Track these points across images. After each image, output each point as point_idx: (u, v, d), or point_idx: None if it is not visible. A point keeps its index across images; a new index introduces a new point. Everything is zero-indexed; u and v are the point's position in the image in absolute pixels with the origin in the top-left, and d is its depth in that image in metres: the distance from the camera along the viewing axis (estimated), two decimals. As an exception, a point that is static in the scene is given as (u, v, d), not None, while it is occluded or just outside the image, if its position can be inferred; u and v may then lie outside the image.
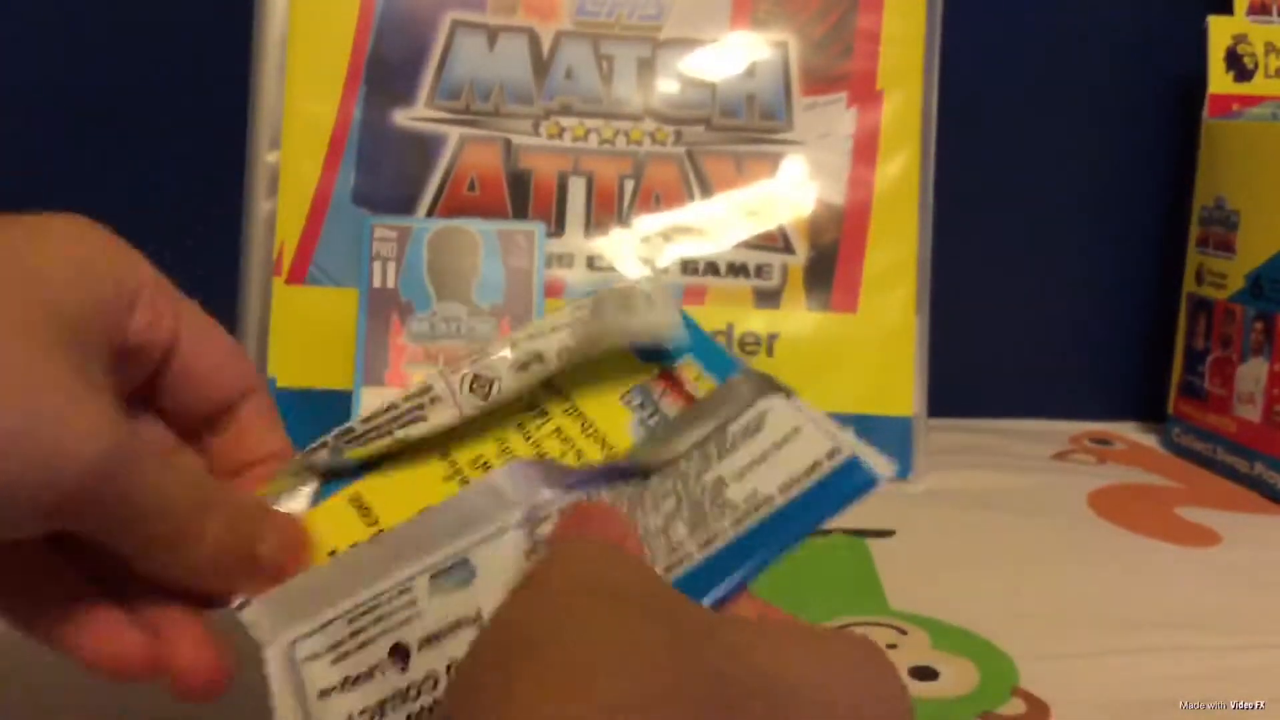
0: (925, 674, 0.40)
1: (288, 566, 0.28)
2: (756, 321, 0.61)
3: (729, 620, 0.25)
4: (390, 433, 0.31)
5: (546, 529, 0.28)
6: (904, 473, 0.61)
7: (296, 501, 0.30)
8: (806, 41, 0.63)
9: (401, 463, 0.31)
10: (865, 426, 0.65)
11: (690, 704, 0.19)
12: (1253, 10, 0.70)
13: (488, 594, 0.27)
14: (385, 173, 0.60)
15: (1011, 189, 0.74)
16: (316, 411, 0.58)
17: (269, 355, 0.60)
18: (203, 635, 0.28)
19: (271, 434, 0.31)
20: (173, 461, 0.27)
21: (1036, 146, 0.74)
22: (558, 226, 0.61)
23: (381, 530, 0.29)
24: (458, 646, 0.26)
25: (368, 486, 0.31)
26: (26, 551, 0.26)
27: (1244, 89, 0.69)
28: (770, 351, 0.61)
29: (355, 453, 0.31)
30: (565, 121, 0.62)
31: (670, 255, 0.62)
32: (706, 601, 0.26)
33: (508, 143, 0.61)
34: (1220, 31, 0.69)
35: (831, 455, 0.30)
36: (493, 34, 0.62)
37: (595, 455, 0.31)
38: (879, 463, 0.29)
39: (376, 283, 0.58)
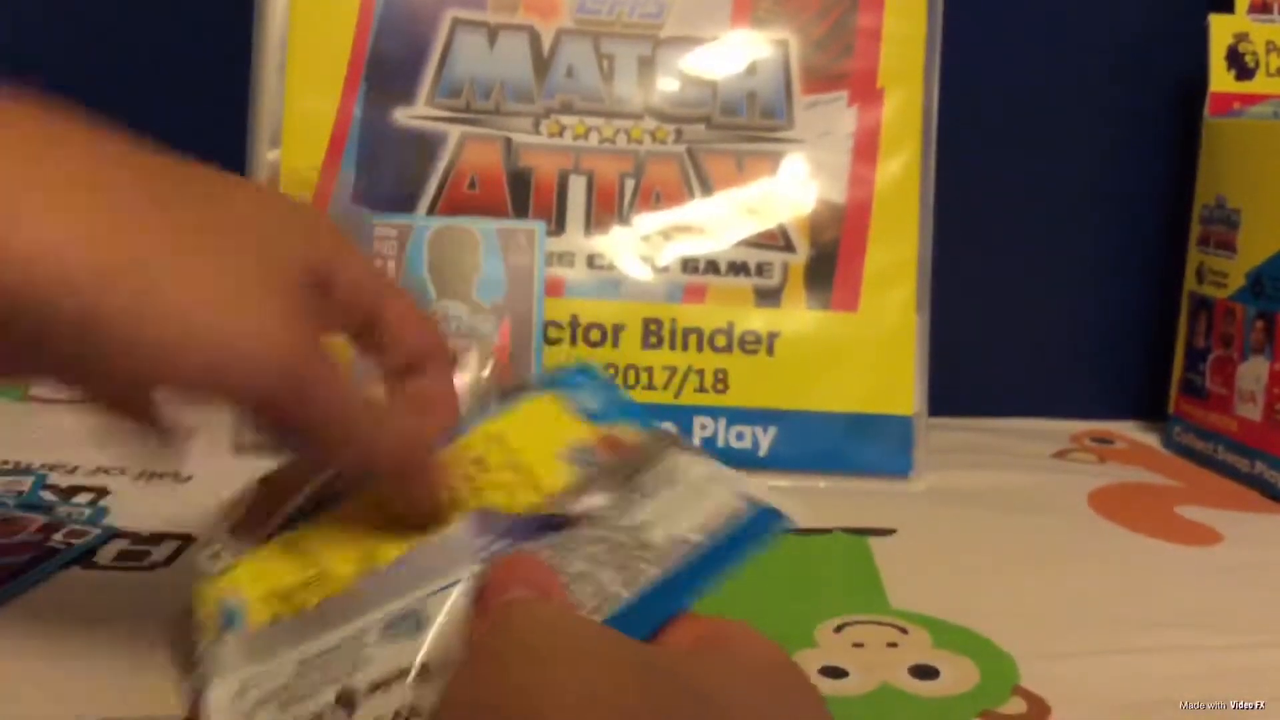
0: (926, 673, 0.40)
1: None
2: (757, 320, 0.61)
3: (661, 650, 0.26)
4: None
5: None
6: (904, 472, 0.61)
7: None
8: (807, 40, 0.63)
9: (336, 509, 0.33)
10: (865, 426, 0.65)
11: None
12: (1254, 9, 0.70)
13: (435, 642, 0.27)
14: (386, 171, 0.60)
15: (1012, 188, 0.74)
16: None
17: (269, 354, 0.60)
18: None
19: (441, 398, 0.35)
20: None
21: (1037, 145, 0.74)
22: (558, 225, 0.61)
23: (320, 573, 0.31)
24: (402, 694, 0.27)
25: (303, 534, 0.32)
26: None
27: (1245, 87, 0.69)
28: (770, 350, 0.61)
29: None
30: (566, 120, 0.62)
31: (670, 254, 0.62)
32: (639, 636, 0.27)
33: (508, 141, 0.61)
34: (1221, 30, 0.69)
35: (747, 500, 0.31)
36: (493, 32, 0.62)
37: (536, 504, 0.32)
38: (786, 509, 0.31)
39: (377, 281, 0.58)
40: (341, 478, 0.33)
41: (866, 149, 0.63)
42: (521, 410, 0.36)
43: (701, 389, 0.61)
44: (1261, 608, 0.47)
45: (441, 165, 0.61)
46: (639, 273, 0.61)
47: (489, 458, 0.34)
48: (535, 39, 0.62)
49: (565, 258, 0.61)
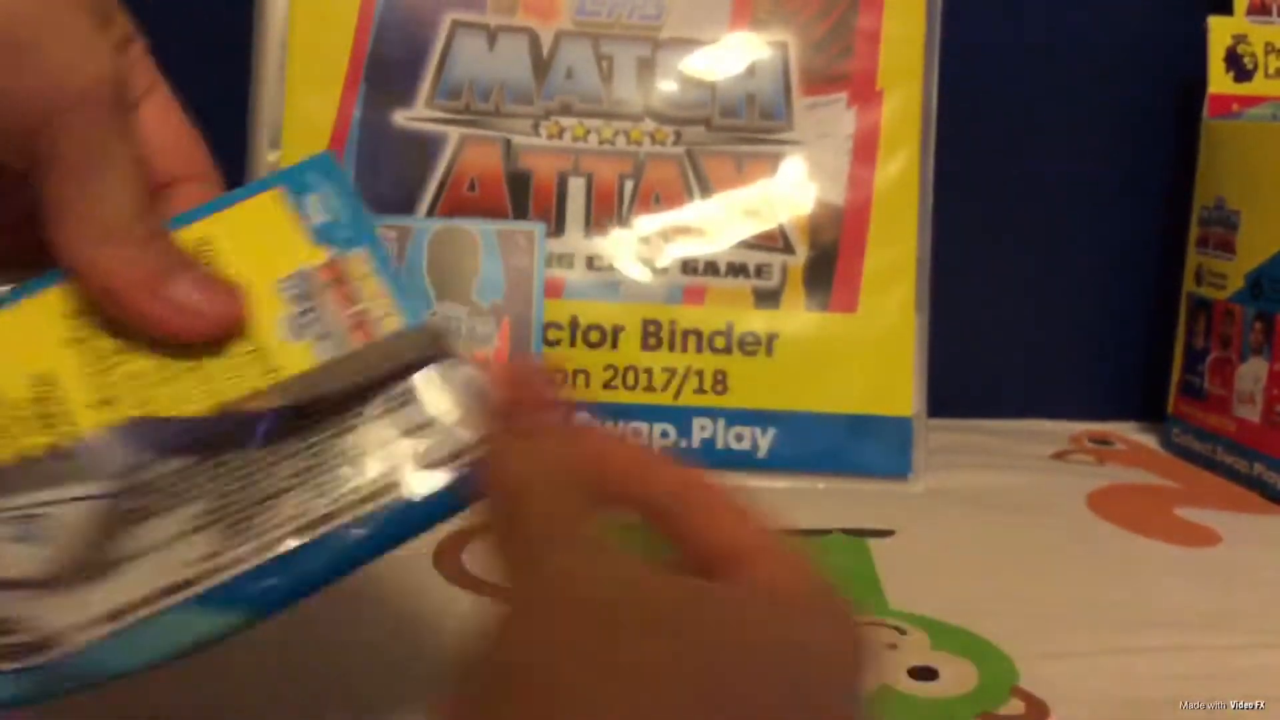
0: (925, 674, 0.40)
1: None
2: (756, 321, 0.61)
3: (707, 592, 0.23)
4: None
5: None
6: (903, 473, 0.61)
7: None
8: (806, 41, 0.63)
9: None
10: (864, 427, 0.65)
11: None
12: (1252, 10, 0.70)
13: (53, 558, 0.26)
14: (385, 172, 0.60)
15: (1011, 189, 0.74)
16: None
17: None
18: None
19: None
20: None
21: (1036, 146, 0.74)
22: (557, 226, 0.61)
23: None
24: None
25: None
26: None
27: (1244, 89, 0.69)
28: (770, 351, 0.61)
29: None
30: (565, 121, 0.62)
31: (670, 255, 0.62)
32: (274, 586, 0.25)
33: (507, 142, 0.61)
34: (1220, 32, 0.69)
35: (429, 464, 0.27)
36: (492, 34, 0.62)
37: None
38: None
39: (376, 282, 0.58)
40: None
41: (866, 150, 0.63)
42: (240, 209, 0.30)
43: (701, 390, 0.61)
44: (1261, 608, 0.47)
45: (441, 167, 0.61)
46: (638, 274, 0.61)
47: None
48: (535, 41, 0.62)
49: (564, 259, 0.61)
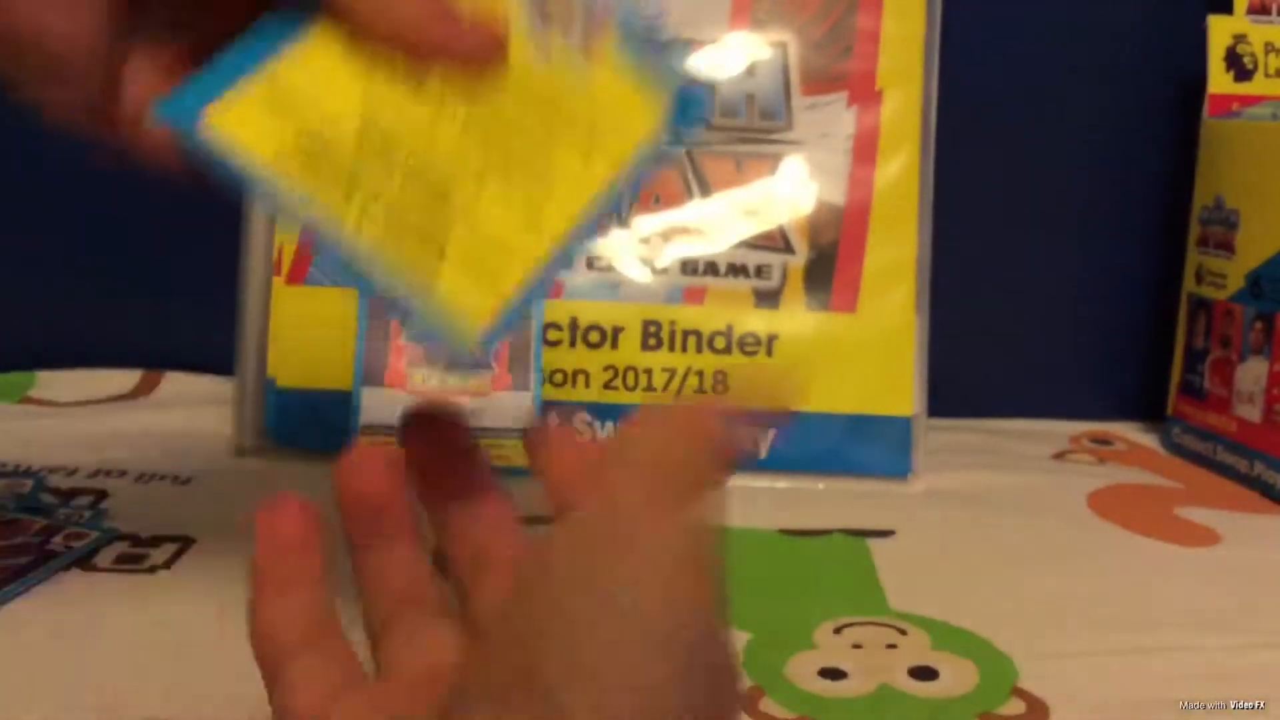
0: (925, 674, 0.40)
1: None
2: (756, 322, 0.61)
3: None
4: None
5: None
6: (903, 473, 0.61)
7: None
8: (806, 41, 0.63)
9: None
10: (864, 427, 0.65)
11: None
12: (1252, 10, 0.70)
13: None
14: (385, 173, 0.60)
15: (1011, 188, 0.74)
16: (316, 412, 0.58)
17: (269, 355, 0.60)
18: None
19: None
20: None
21: (1036, 146, 0.74)
22: (557, 227, 0.61)
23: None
24: None
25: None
26: None
27: (1244, 88, 0.69)
28: (770, 351, 0.61)
29: None
30: (565, 122, 0.62)
31: (670, 255, 0.62)
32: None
33: (507, 143, 0.61)
34: (1220, 31, 0.69)
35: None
36: (492, 34, 0.62)
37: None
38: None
39: (376, 283, 0.58)
40: None
41: (865, 150, 0.63)
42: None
43: (701, 390, 0.61)
44: (1261, 608, 0.47)
45: (441, 167, 0.61)
46: (638, 274, 0.61)
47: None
48: (534, 41, 0.62)
49: (564, 259, 0.61)
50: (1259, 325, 0.62)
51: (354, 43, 0.28)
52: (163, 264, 0.72)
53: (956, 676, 0.40)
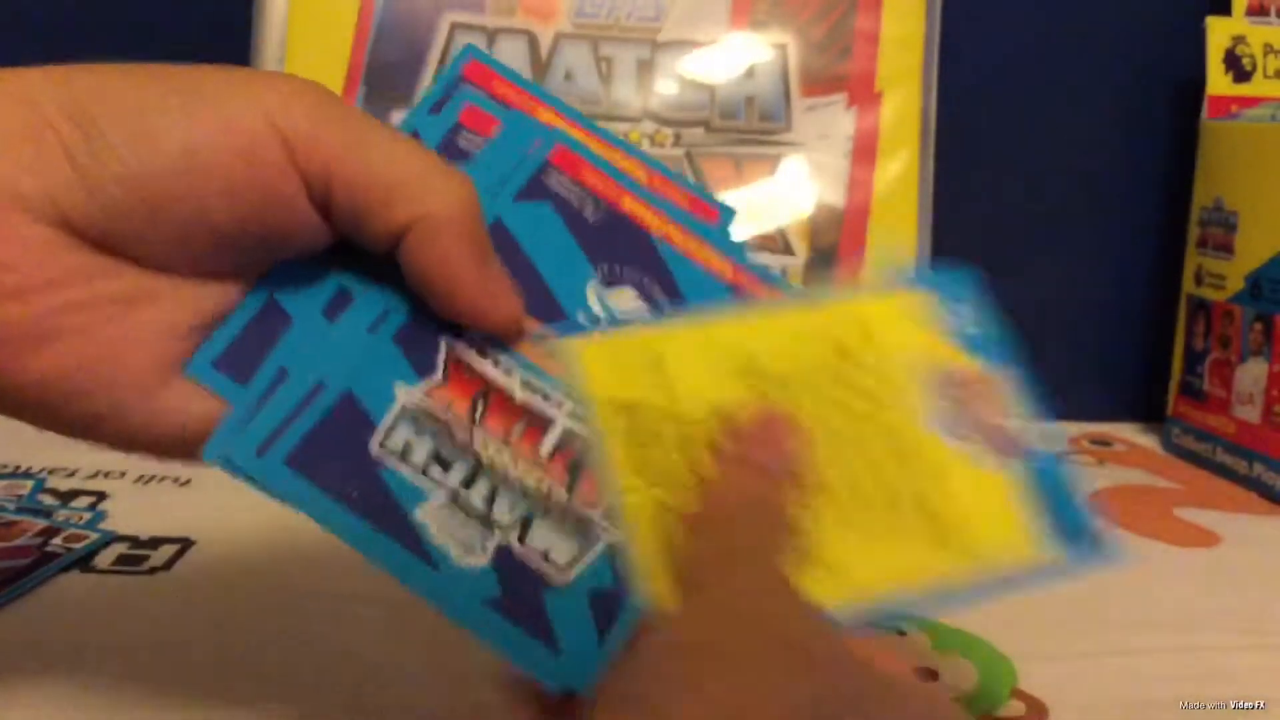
0: (925, 674, 0.40)
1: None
2: (756, 323, 0.61)
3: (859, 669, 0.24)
4: None
5: None
6: (903, 474, 0.61)
7: None
8: (805, 43, 0.63)
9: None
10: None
11: None
12: (1251, 11, 0.70)
13: None
14: (384, 175, 0.60)
15: (1010, 190, 0.74)
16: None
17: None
18: None
19: None
20: None
21: (1035, 148, 0.74)
22: (557, 228, 0.61)
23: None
24: None
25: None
26: None
27: (1242, 90, 0.69)
28: (769, 353, 0.61)
29: None
30: (564, 123, 0.62)
31: (669, 257, 0.62)
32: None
33: (507, 144, 0.61)
34: (1219, 33, 0.69)
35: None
36: (492, 36, 0.62)
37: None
38: None
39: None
40: None
41: (865, 151, 0.63)
42: (891, 302, 0.31)
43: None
44: (1261, 608, 0.47)
45: (440, 168, 0.61)
46: (638, 275, 0.61)
47: (848, 342, 0.29)
48: (534, 42, 0.62)
49: (564, 261, 0.61)
50: (1258, 326, 0.62)
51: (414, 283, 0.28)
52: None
53: (956, 677, 0.40)
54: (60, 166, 0.24)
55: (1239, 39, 0.69)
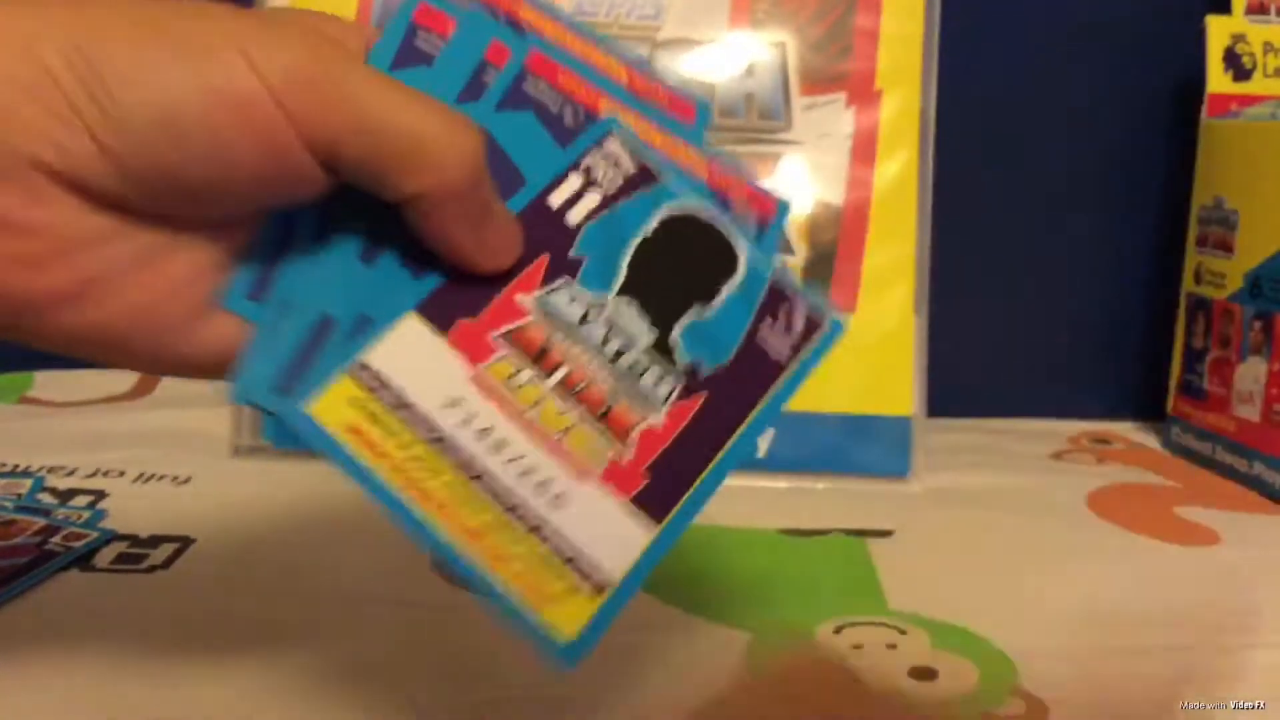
0: (925, 674, 0.40)
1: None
2: (755, 321, 0.61)
3: None
4: None
5: None
6: (902, 473, 0.61)
7: None
8: (805, 41, 0.63)
9: None
10: (863, 427, 0.65)
11: None
12: (1251, 10, 0.70)
13: None
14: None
15: (1009, 189, 0.74)
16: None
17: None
18: None
19: None
20: None
21: (1035, 146, 0.74)
22: (556, 227, 0.61)
23: None
24: None
25: None
26: None
27: (1242, 89, 0.69)
28: (769, 351, 0.61)
29: None
30: (564, 122, 0.62)
31: (669, 255, 0.61)
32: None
33: (506, 143, 0.61)
34: (1219, 31, 0.69)
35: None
36: (491, 34, 0.62)
37: None
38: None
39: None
40: None
41: (864, 150, 0.63)
42: None
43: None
44: (1261, 608, 0.47)
45: (440, 167, 0.61)
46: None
47: None
48: (533, 41, 0.62)
49: (563, 259, 0.61)
50: (1258, 325, 0.62)
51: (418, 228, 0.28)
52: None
53: (956, 676, 0.40)
54: (74, 133, 0.24)
55: (1239, 37, 0.69)
